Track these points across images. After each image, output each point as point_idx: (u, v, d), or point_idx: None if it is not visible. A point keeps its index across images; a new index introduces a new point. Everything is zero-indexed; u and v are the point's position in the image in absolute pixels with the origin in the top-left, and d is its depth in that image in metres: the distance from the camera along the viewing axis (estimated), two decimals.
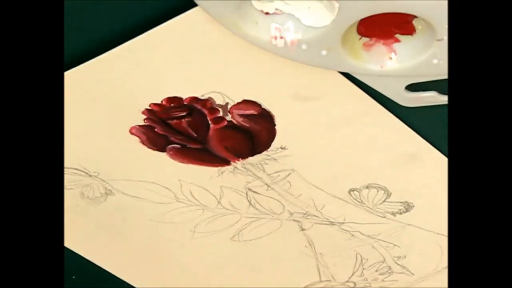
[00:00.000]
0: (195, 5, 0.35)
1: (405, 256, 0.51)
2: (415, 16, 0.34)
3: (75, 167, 0.44)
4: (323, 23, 0.34)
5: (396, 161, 0.44)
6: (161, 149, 0.43)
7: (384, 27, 0.35)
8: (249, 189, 0.47)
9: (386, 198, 0.46)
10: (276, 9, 0.34)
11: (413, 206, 0.47)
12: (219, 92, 0.40)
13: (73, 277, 0.52)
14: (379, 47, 0.35)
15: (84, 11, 0.37)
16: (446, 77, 0.35)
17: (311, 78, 0.39)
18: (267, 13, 0.34)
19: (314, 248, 0.51)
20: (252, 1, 0.34)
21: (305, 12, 0.34)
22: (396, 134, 0.42)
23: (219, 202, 0.48)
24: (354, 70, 0.36)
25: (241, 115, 0.41)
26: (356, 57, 0.35)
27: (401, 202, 0.46)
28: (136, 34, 0.37)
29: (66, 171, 0.44)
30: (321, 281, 0.53)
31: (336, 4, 0.32)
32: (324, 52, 0.34)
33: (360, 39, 0.35)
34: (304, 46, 0.34)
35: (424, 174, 0.44)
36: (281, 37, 0.34)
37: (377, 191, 0.46)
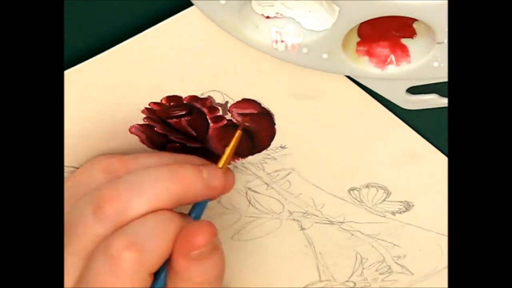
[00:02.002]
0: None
1: (405, 256, 0.51)
2: (416, 19, 0.35)
3: (74, 165, 0.45)
4: (324, 27, 0.34)
5: (396, 160, 0.45)
6: (161, 148, 0.44)
7: (385, 30, 0.36)
8: (249, 189, 0.47)
9: (385, 198, 0.47)
10: (277, 13, 0.35)
11: (413, 206, 0.47)
12: (218, 91, 0.41)
13: None
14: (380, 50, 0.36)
15: (82, 10, 0.38)
16: (446, 80, 0.36)
17: (311, 77, 0.39)
18: (267, 17, 0.35)
19: (314, 247, 0.51)
20: (253, 5, 0.35)
21: (305, 15, 0.35)
22: (396, 133, 0.43)
23: (218, 201, 0.48)
24: (355, 73, 0.37)
25: (240, 114, 0.42)
26: (356, 60, 0.36)
27: (401, 202, 0.47)
28: (135, 33, 0.38)
29: (65, 170, 0.45)
30: (321, 281, 0.54)
31: (336, 8, 0.33)
32: (325, 56, 0.35)
33: None
34: (305, 50, 0.35)
35: (424, 173, 0.45)
36: (282, 41, 0.35)
37: (377, 190, 0.47)
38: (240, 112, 0.42)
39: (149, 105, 0.41)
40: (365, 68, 0.36)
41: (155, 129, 0.43)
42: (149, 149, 0.44)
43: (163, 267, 0.37)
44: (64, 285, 0.37)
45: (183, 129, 0.43)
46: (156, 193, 0.37)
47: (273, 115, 0.42)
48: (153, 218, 0.36)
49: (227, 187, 0.41)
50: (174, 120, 0.42)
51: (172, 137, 0.43)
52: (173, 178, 0.37)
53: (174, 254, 0.37)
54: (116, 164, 0.40)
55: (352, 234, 0.50)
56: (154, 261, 0.36)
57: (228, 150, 0.41)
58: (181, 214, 0.38)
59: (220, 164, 0.40)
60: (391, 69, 0.36)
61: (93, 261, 0.36)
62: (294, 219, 0.49)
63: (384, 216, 0.48)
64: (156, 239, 0.36)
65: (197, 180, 0.38)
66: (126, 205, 0.36)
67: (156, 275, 0.37)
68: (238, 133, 0.42)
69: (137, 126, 0.43)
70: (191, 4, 0.36)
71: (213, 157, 0.45)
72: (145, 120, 0.42)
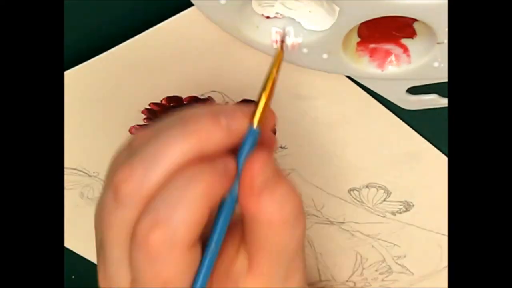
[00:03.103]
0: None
1: (405, 256, 0.52)
2: (416, 20, 0.35)
3: (75, 167, 0.45)
4: (324, 27, 0.35)
5: (396, 161, 0.45)
6: None
7: (385, 31, 0.36)
8: None
9: (386, 198, 0.47)
10: (277, 13, 0.35)
11: (413, 206, 0.48)
12: (218, 92, 0.41)
13: (73, 277, 0.53)
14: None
15: (83, 11, 0.38)
16: (446, 80, 0.36)
17: (311, 78, 0.40)
18: (267, 17, 0.36)
19: (314, 248, 0.52)
20: (253, 6, 0.35)
21: (306, 16, 0.35)
22: (396, 133, 0.43)
23: None
24: (355, 74, 0.37)
25: None
26: (357, 60, 0.36)
27: (401, 202, 0.48)
28: (136, 33, 0.38)
29: (65, 171, 0.45)
30: (321, 281, 0.54)
31: (336, 8, 0.33)
32: (325, 56, 0.36)
33: None
34: (305, 50, 0.35)
35: (424, 173, 0.46)
36: (282, 41, 0.35)
37: (377, 190, 0.47)
38: None
39: (149, 105, 0.42)
40: (365, 68, 0.37)
41: None
42: None
43: (213, 233, 0.33)
44: (116, 283, 0.34)
45: None
46: (171, 157, 0.33)
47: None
48: (174, 185, 0.32)
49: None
50: None
51: None
52: (187, 134, 0.33)
53: (241, 198, 0.33)
54: (135, 137, 0.36)
55: (352, 234, 0.50)
56: (187, 232, 0.32)
57: (270, 78, 0.34)
58: (210, 163, 0.33)
59: (262, 97, 0.34)
60: (391, 69, 0.37)
61: (131, 255, 0.33)
62: None
63: (384, 216, 0.49)
64: (181, 207, 0.32)
65: (215, 128, 0.33)
66: (142, 180, 0.33)
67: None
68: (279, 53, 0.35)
69: (137, 126, 0.43)
70: (191, 5, 0.36)
71: None
72: (145, 120, 0.43)
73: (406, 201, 0.48)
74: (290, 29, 0.35)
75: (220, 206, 0.33)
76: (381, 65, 0.37)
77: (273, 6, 0.35)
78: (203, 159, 0.33)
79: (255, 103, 0.33)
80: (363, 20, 0.34)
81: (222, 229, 0.33)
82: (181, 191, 0.32)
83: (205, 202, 0.32)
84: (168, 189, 0.32)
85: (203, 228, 0.33)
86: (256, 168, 0.33)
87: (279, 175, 0.34)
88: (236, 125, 0.33)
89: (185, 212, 0.32)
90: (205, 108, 0.34)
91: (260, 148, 0.34)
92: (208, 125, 0.33)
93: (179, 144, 0.32)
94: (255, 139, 0.33)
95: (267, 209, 0.33)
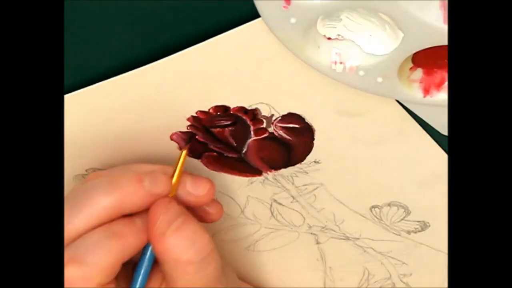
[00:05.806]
0: (258, 16, 0.36)
1: (410, 274, 0.53)
2: None
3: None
4: (383, 51, 0.36)
5: (422, 180, 0.46)
6: (197, 156, 0.46)
7: (437, 58, 0.37)
8: (274, 200, 0.49)
9: (404, 217, 0.49)
10: (338, 35, 0.37)
11: (429, 226, 0.49)
12: (266, 104, 0.43)
13: None
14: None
15: (150, 16, 0.40)
16: None
17: (356, 94, 0.40)
18: (329, 38, 0.37)
19: (325, 262, 0.53)
20: (317, 26, 0.36)
21: (366, 39, 0.36)
22: (428, 153, 0.44)
23: (242, 212, 0.50)
24: (405, 98, 0.39)
25: (283, 127, 0.44)
26: (408, 85, 0.38)
27: (418, 221, 0.49)
28: (196, 42, 0.39)
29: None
30: None
31: (401, 34, 0.34)
32: (379, 80, 0.37)
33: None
34: (361, 73, 0.37)
35: (444, 193, 0.46)
36: (341, 63, 0.37)
37: (398, 209, 0.48)
38: (283, 125, 0.44)
39: (196, 113, 0.43)
40: (416, 93, 0.38)
41: (196, 137, 0.45)
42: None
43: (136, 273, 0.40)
44: None
45: (224, 139, 0.45)
46: (92, 209, 0.38)
47: (315, 130, 0.44)
48: (97, 234, 0.38)
49: (199, 196, 0.42)
50: (218, 129, 0.44)
51: (211, 146, 0.45)
52: (110, 192, 0.39)
53: (150, 240, 0.39)
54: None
55: (365, 251, 0.52)
56: (98, 274, 0.38)
57: (178, 167, 0.41)
58: (130, 220, 0.39)
59: (173, 179, 0.41)
60: (441, 96, 0.38)
61: None
62: (311, 233, 0.51)
63: (399, 235, 0.50)
64: (97, 252, 0.37)
65: (137, 190, 0.39)
66: (66, 227, 0.38)
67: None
68: (184, 153, 0.42)
69: (179, 133, 0.45)
70: (254, 17, 0.37)
71: (246, 168, 0.47)
72: (188, 128, 0.44)
73: (423, 221, 0.49)
74: (349, 51, 0.37)
75: (144, 249, 0.39)
76: (431, 92, 0.38)
77: (335, 27, 0.37)
78: (125, 214, 0.38)
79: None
80: (424, 47, 0.35)
81: (145, 271, 0.40)
82: (100, 240, 0.37)
83: (118, 255, 0.38)
84: (88, 236, 0.38)
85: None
86: (156, 212, 0.38)
87: (186, 218, 0.39)
88: (158, 189, 0.39)
89: (98, 258, 0.37)
90: (133, 168, 0.40)
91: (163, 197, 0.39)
92: (131, 186, 0.39)
93: (102, 196, 0.38)
94: None
95: (173, 249, 0.38)
